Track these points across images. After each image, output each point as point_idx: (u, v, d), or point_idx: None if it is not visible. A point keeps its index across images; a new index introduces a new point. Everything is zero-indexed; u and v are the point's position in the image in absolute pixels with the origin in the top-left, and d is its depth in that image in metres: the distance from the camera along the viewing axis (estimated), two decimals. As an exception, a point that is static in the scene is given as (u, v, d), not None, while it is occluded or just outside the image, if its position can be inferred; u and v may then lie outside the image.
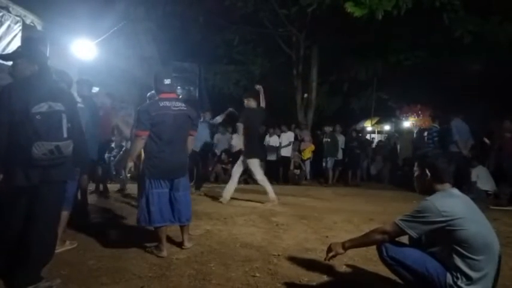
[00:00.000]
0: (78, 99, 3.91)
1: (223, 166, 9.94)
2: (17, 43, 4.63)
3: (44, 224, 2.49)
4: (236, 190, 6.11)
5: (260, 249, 3.59)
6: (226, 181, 9.27)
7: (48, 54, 4.18)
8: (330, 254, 2.53)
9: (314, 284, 2.85)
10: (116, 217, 4.62)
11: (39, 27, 5.24)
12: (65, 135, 2.46)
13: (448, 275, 2.14)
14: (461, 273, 2.10)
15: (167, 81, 3.37)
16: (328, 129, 10.11)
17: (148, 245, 3.46)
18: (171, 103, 3.29)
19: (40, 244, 2.49)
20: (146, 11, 10.58)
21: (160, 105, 3.27)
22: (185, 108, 3.36)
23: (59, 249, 3.09)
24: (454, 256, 2.13)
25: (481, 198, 6.43)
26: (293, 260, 3.31)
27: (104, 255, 3.26)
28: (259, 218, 4.83)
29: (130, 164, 3.42)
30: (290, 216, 4.95)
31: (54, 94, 2.47)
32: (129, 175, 3.57)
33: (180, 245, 3.53)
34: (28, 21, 5.00)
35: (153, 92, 3.88)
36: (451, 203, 2.17)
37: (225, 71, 13.34)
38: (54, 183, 2.52)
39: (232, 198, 6.11)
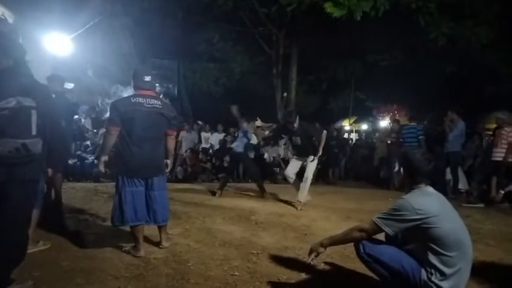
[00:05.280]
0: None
1: (202, 165, 9.89)
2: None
3: (12, 224, 2.39)
4: (216, 188, 6.13)
5: (239, 247, 3.59)
6: (205, 180, 9.28)
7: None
8: (312, 255, 2.55)
9: (293, 282, 2.87)
10: (92, 216, 4.51)
11: (10, 20, 5.06)
12: (34, 132, 2.35)
13: (423, 271, 2.20)
14: (435, 269, 2.16)
15: (147, 78, 3.26)
16: None
17: (124, 244, 3.39)
18: (145, 100, 3.18)
19: (9, 245, 2.39)
20: (123, 6, 10.38)
21: (132, 101, 3.16)
22: (160, 106, 3.24)
23: (31, 250, 2.99)
24: (429, 253, 2.19)
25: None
26: (272, 258, 3.32)
27: (79, 256, 3.18)
28: (238, 216, 4.82)
29: (104, 159, 3.30)
30: (269, 215, 4.96)
31: (24, 89, 2.35)
32: (107, 170, 3.46)
33: (158, 244, 3.48)
34: (-2, 14, 4.82)
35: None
36: (426, 202, 2.22)
37: (205, 69, 13.23)
38: (21, 182, 2.41)
39: (211, 196, 6.11)
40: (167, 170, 3.54)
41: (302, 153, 5.70)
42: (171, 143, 3.47)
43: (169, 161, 3.51)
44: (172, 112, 3.38)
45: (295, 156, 5.90)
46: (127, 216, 3.16)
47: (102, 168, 3.28)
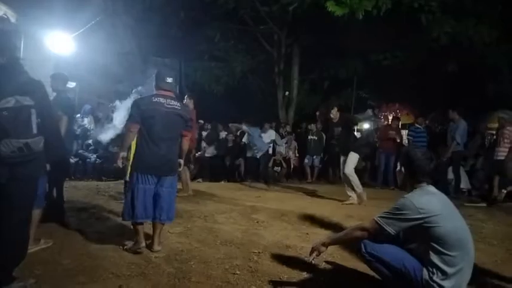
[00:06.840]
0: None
1: (204, 164, 9.87)
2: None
3: (13, 222, 2.39)
4: (217, 187, 6.11)
5: (240, 246, 3.59)
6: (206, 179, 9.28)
7: (22, 48, 4.04)
8: (313, 255, 2.55)
9: (294, 281, 2.87)
10: (93, 215, 4.52)
11: (12, 20, 5.07)
12: (35, 131, 2.35)
13: (425, 271, 2.20)
14: (437, 269, 2.16)
15: (169, 80, 3.38)
16: (313, 126, 10.17)
17: (126, 242, 3.39)
18: (166, 100, 3.29)
19: (11, 243, 2.40)
20: (125, 5, 10.38)
21: (153, 100, 3.27)
22: (179, 108, 3.36)
23: (33, 248, 3.00)
24: (430, 252, 2.19)
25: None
26: (273, 257, 3.32)
27: (81, 254, 3.18)
28: (240, 215, 4.82)
29: (123, 154, 3.35)
30: (270, 214, 4.96)
31: (22, 88, 2.34)
32: (123, 165, 3.54)
33: (159, 243, 3.46)
34: (0, 13, 4.83)
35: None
36: (427, 201, 2.22)
37: (206, 68, 13.20)
38: (23, 180, 2.41)
39: (212, 195, 6.11)
40: (179, 169, 3.62)
41: (342, 149, 5.82)
42: (185, 144, 3.57)
43: (181, 161, 3.58)
44: (189, 114, 3.51)
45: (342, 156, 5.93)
46: (137, 212, 3.23)
47: (120, 163, 3.37)
